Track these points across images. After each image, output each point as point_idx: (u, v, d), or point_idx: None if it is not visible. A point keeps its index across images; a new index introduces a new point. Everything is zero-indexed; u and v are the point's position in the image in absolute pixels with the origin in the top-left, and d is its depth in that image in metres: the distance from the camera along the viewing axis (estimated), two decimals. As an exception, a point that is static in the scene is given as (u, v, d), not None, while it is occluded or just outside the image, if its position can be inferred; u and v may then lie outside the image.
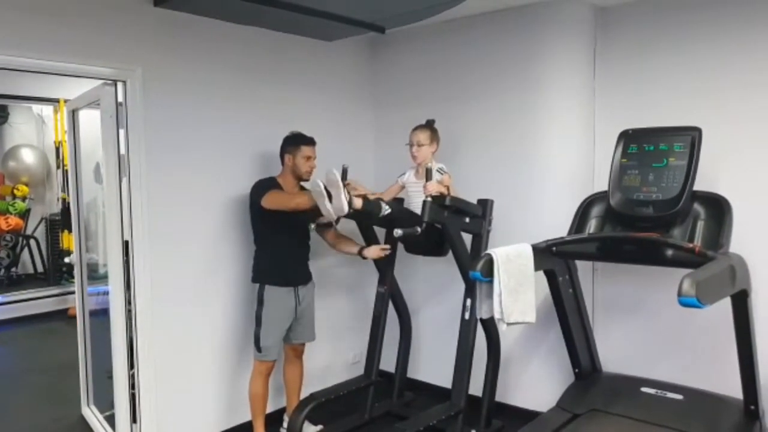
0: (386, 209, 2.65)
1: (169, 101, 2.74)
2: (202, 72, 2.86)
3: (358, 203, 2.55)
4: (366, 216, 2.77)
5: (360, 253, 3.02)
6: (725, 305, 2.21)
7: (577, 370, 2.95)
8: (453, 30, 3.37)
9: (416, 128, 2.90)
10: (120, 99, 2.65)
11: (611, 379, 2.99)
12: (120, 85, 2.63)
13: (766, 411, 2.57)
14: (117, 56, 2.56)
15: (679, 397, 2.71)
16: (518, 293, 2.42)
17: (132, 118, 2.63)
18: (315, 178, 2.85)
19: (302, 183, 2.94)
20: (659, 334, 2.93)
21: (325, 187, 2.47)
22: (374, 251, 3.02)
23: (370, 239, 3.20)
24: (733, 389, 2.55)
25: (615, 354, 3.06)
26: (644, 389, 2.79)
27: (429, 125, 2.92)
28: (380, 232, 3.23)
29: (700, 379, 2.76)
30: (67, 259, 5.09)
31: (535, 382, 3.20)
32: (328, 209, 2.48)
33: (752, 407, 2.49)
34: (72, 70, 2.50)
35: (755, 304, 2.38)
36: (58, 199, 6.29)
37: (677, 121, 2.54)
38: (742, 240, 2.39)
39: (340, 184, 2.45)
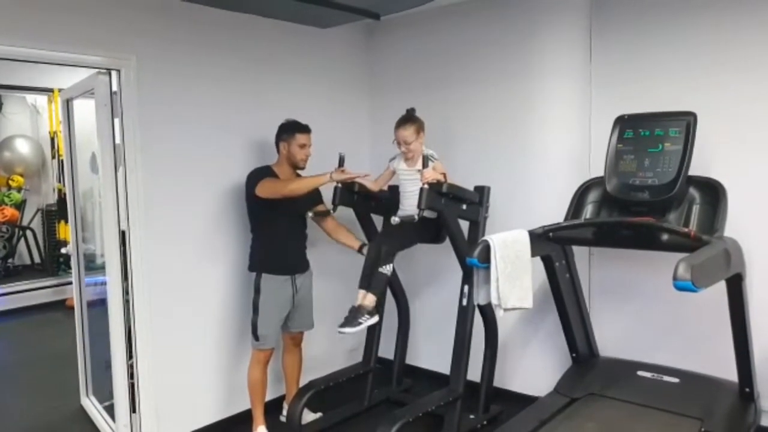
0: (396, 220, 2.70)
1: (164, 90, 2.73)
2: (196, 60, 2.84)
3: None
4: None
5: (360, 250, 2.99)
6: (720, 289, 2.23)
7: (574, 355, 2.98)
8: (448, 16, 3.35)
9: (399, 125, 2.74)
10: (114, 88, 2.63)
11: (608, 363, 3.01)
12: (114, 74, 2.61)
13: (761, 393, 2.60)
14: (111, 45, 2.54)
15: (675, 380, 2.73)
16: (515, 279, 2.43)
17: (127, 108, 2.61)
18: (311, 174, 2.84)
19: (298, 171, 2.93)
20: (655, 318, 2.95)
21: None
22: None
23: (368, 227, 3.20)
24: (729, 372, 2.58)
25: (611, 338, 3.08)
26: (640, 373, 2.82)
27: (410, 117, 2.77)
28: (378, 219, 3.23)
29: (695, 363, 2.79)
30: (63, 250, 5.08)
31: (533, 367, 3.23)
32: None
33: (747, 390, 2.52)
34: (66, 59, 2.48)
35: (749, 287, 2.41)
36: (53, 190, 6.27)
37: (673, 106, 2.54)
38: (736, 224, 2.40)
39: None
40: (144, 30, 2.64)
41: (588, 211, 2.69)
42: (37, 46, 2.36)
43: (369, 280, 2.73)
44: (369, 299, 2.68)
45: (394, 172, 2.90)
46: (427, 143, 2.84)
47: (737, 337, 2.41)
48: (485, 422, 3.00)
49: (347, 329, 2.61)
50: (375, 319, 2.70)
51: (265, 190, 2.72)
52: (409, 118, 2.77)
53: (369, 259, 2.79)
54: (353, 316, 2.64)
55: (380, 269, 2.69)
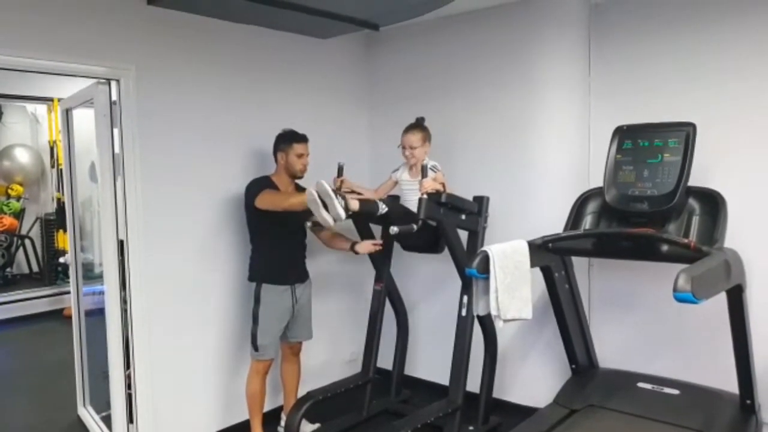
0: (383, 208, 2.64)
1: (163, 100, 2.73)
2: (196, 70, 2.85)
3: (354, 205, 2.51)
4: (364, 216, 2.76)
5: (352, 248, 3.01)
6: (720, 300, 2.22)
7: (573, 366, 2.96)
8: (447, 27, 3.37)
9: (407, 130, 2.84)
10: (114, 98, 2.63)
11: (608, 374, 3.00)
12: (114, 84, 2.62)
13: (762, 405, 2.59)
14: (110, 55, 2.55)
15: (676, 392, 2.72)
16: (514, 290, 2.42)
17: (126, 117, 2.62)
18: (309, 184, 2.83)
19: (297, 181, 2.93)
20: (655, 329, 2.94)
21: (320, 196, 2.45)
22: (366, 246, 3.01)
23: (367, 237, 3.20)
24: (729, 384, 2.56)
25: (611, 349, 3.07)
26: (641, 384, 2.81)
27: (419, 125, 2.86)
28: (376, 229, 3.23)
29: (696, 374, 2.77)
30: (62, 259, 5.07)
31: (532, 378, 3.21)
32: (325, 217, 2.45)
33: (748, 401, 2.50)
34: (65, 69, 2.48)
35: (750, 298, 2.40)
36: (52, 199, 6.27)
37: (672, 117, 2.55)
38: (736, 235, 2.39)
39: (332, 193, 2.42)
40: (143, 40, 2.65)
41: (587, 222, 2.69)
42: (37, 56, 2.37)
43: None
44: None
45: (396, 182, 2.92)
46: (428, 153, 2.86)
47: (738, 348, 2.40)
48: (484, 434, 2.98)
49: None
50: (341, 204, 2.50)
51: (265, 202, 2.72)
52: (418, 125, 2.86)
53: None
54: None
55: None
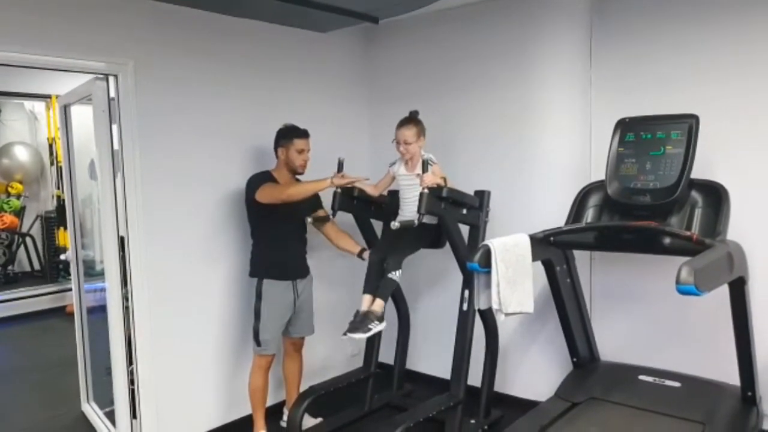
0: (396, 225, 2.67)
1: (162, 95, 2.72)
2: (195, 65, 2.84)
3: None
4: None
5: (360, 255, 2.99)
6: (722, 293, 2.22)
7: (575, 359, 2.96)
8: (447, 21, 3.35)
9: (401, 125, 2.76)
10: (112, 94, 2.62)
11: (609, 367, 3.00)
12: (112, 80, 2.61)
13: (763, 397, 2.59)
14: (108, 50, 2.53)
15: (677, 384, 2.72)
16: (516, 283, 2.42)
17: (125, 113, 2.60)
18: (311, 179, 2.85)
19: (297, 176, 2.92)
20: (657, 322, 2.94)
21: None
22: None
23: (368, 232, 3.19)
24: (731, 376, 2.56)
25: (613, 343, 3.07)
26: (642, 377, 2.81)
27: (413, 119, 2.78)
28: (377, 224, 3.22)
29: (697, 367, 2.78)
30: (63, 257, 5.07)
31: (534, 371, 3.21)
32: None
33: (749, 393, 2.51)
34: (62, 65, 2.47)
35: (752, 291, 2.39)
36: (52, 197, 6.27)
37: (675, 109, 2.53)
38: (739, 227, 2.39)
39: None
40: (141, 35, 2.64)
41: (589, 215, 2.68)
42: (33, 51, 2.35)
43: (374, 284, 2.71)
44: (378, 305, 2.66)
45: (394, 177, 2.89)
46: (427, 147, 2.84)
47: (740, 340, 2.40)
48: (486, 427, 2.98)
49: (358, 335, 2.57)
50: (383, 325, 2.66)
51: (265, 195, 2.71)
52: (411, 119, 2.78)
53: (371, 264, 2.77)
54: (362, 321, 2.60)
55: (389, 275, 2.67)
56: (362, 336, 2.59)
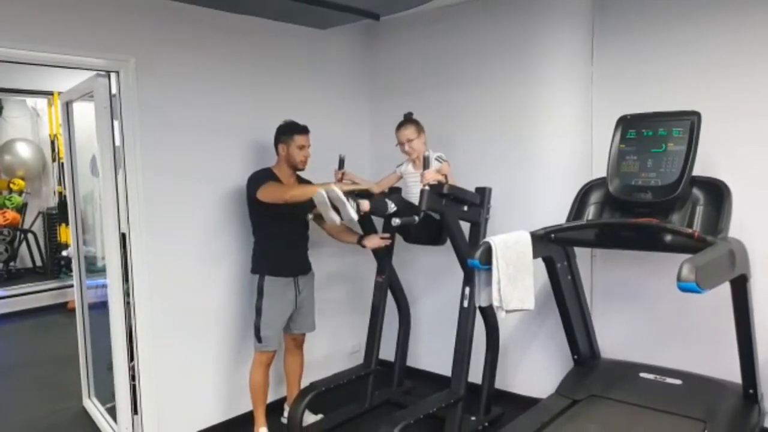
0: (392, 207, 2.67)
1: (164, 91, 2.72)
2: (196, 62, 2.84)
3: (365, 206, 2.58)
4: (373, 215, 2.82)
5: (359, 242, 3.02)
6: (723, 290, 2.21)
7: (576, 357, 2.96)
8: (448, 17, 3.34)
9: (399, 127, 2.85)
10: (114, 90, 2.62)
11: (610, 365, 3.00)
12: (113, 76, 2.61)
13: (765, 395, 2.58)
14: (110, 47, 2.53)
15: (678, 382, 2.72)
16: (517, 280, 2.41)
17: (126, 110, 2.61)
18: (311, 176, 2.84)
19: (298, 173, 2.93)
20: (658, 319, 2.93)
21: (331, 201, 2.48)
22: (374, 241, 3.02)
23: (368, 228, 3.19)
24: (732, 374, 2.56)
25: (614, 340, 3.07)
26: (643, 375, 2.81)
27: (409, 119, 2.86)
28: (378, 221, 3.22)
29: (698, 364, 2.77)
30: (64, 253, 5.08)
31: (534, 369, 3.21)
32: (333, 218, 2.51)
33: (751, 391, 2.51)
34: (64, 61, 2.46)
35: (754, 288, 2.39)
36: (54, 193, 6.28)
37: (676, 106, 2.53)
38: (741, 225, 2.38)
39: (344, 198, 2.47)
40: (143, 32, 2.63)
41: (590, 212, 2.68)
42: (35, 47, 2.35)
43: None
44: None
45: (400, 176, 2.92)
46: (428, 144, 2.84)
47: (741, 338, 2.39)
48: (486, 424, 2.98)
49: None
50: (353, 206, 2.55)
51: (266, 194, 2.71)
52: (407, 120, 2.85)
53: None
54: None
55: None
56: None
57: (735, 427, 2.41)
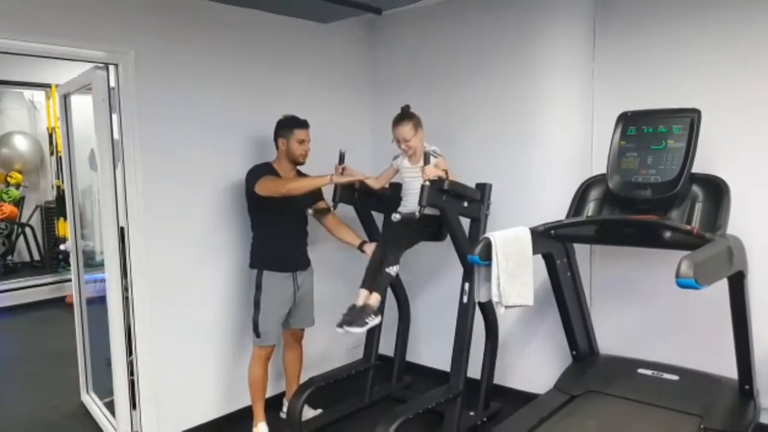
0: (397, 217, 2.70)
1: (163, 85, 2.71)
2: (196, 55, 2.82)
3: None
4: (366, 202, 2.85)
5: (360, 247, 2.99)
6: (720, 287, 2.22)
7: (574, 353, 2.97)
8: (450, 12, 3.33)
9: (396, 123, 2.75)
10: (112, 83, 2.61)
11: (608, 360, 3.01)
12: (112, 69, 2.59)
13: (761, 390, 2.60)
14: (109, 39, 2.52)
15: (675, 377, 2.73)
16: (516, 276, 2.42)
17: (125, 103, 2.59)
18: (311, 171, 2.84)
19: (298, 167, 2.92)
20: (656, 316, 2.94)
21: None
22: (374, 248, 2.98)
23: (369, 225, 3.19)
24: (728, 369, 2.57)
25: (612, 336, 3.08)
26: (641, 370, 2.82)
27: (406, 114, 2.77)
28: (378, 216, 3.22)
29: (695, 360, 2.79)
30: (62, 246, 5.06)
31: (533, 364, 3.22)
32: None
33: (747, 387, 2.52)
34: (62, 53, 2.44)
35: (751, 285, 2.40)
36: (52, 187, 6.26)
37: (677, 103, 2.53)
38: (739, 221, 2.39)
39: None
40: (142, 24, 2.62)
41: (590, 209, 2.68)
42: (32, 39, 2.33)
43: (372, 279, 2.71)
44: (374, 298, 2.66)
45: (397, 170, 2.89)
46: (428, 140, 2.83)
47: (738, 334, 2.40)
48: (485, 419, 2.99)
49: (354, 328, 2.56)
50: (379, 318, 2.68)
51: (265, 188, 2.71)
52: (404, 116, 2.76)
53: (373, 260, 2.77)
54: (359, 315, 2.60)
55: (387, 269, 2.68)
56: (359, 330, 2.59)
57: (731, 422, 2.43)
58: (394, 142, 2.78)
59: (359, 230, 3.15)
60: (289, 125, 2.82)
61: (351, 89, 3.66)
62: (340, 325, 2.58)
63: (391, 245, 2.73)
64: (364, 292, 2.69)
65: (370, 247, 2.96)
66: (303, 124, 2.84)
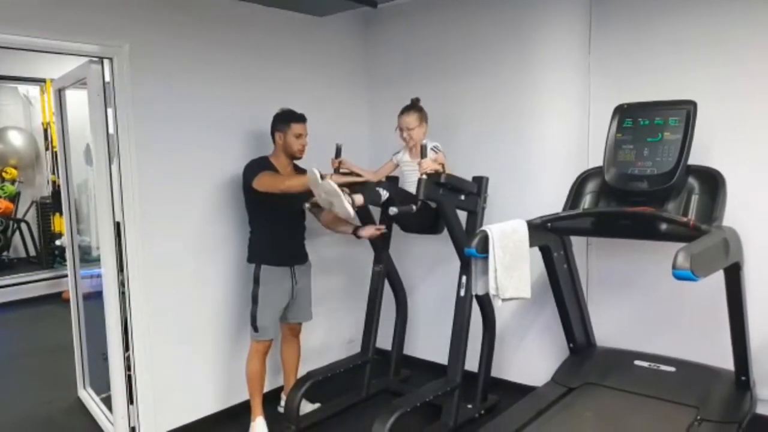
0: (385, 194, 2.65)
1: (158, 79, 2.69)
2: (191, 49, 2.81)
3: (359, 200, 2.56)
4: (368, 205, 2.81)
5: (355, 232, 3.01)
6: (716, 278, 2.23)
7: (571, 345, 2.98)
8: (446, 5, 3.32)
9: (403, 112, 2.82)
10: (107, 77, 2.59)
11: (605, 353, 3.02)
12: (107, 63, 2.57)
13: (757, 381, 2.61)
14: (103, 32, 2.50)
15: (672, 369, 2.75)
16: (513, 269, 2.42)
17: (120, 97, 2.58)
18: (309, 165, 2.82)
19: (295, 161, 2.91)
20: (652, 308, 2.95)
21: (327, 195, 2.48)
22: (369, 231, 3.01)
23: (365, 218, 3.19)
24: (725, 361, 2.59)
25: (609, 328, 3.09)
26: (637, 362, 2.83)
27: (415, 106, 2.84)
28: (375, 210, 3.22)
29: (692, 352, 2.80)
30: (58, 242, 5.05)
31: (531, 357, 3.23)
32: (347, 209, 2.48)
33: (743, 378, 2.53)
34: (56, 47, 2.43)
35: (747, 277, 2.41)
36: (48, 182, 6.23)
37: (673, 95, 2.53)
38: (735, 213, 2.39)
39: (339, 191, 2.44)
40: (137, 18, 2.60)
41: (586, 201, 2.68)
42: (26, 33, 2.31)
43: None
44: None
45: (397, 165, 2.90)
46: (427, 134, 2.83)
47: (734, 326, 2.41)
48: (483, 412, 3.01)
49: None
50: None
51: (262, 184, 2.70)
52: (413, 106, 2.82)
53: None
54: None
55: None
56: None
57: (727, 413, 2.44)
58: (397, 131, 2.81)
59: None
60: (286, 119, 2.81)
61: (347, 83, 3.64)
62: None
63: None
64: None
65: (364, 230, 2.98)
66: (300, 119, 2.83)
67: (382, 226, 3.06)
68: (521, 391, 3.01)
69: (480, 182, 2.92)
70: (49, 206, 6.06)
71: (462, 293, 2.84)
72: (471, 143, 3.29)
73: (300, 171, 2.91)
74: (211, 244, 2.94)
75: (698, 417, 2.40)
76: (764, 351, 2.62)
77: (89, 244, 3.55)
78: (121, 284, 2.69)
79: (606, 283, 3.11)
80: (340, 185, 2.82)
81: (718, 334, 2.58)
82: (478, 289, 2.50)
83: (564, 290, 2.80)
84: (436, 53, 3.41)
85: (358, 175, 2.86)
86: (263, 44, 3.13)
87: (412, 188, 2.72)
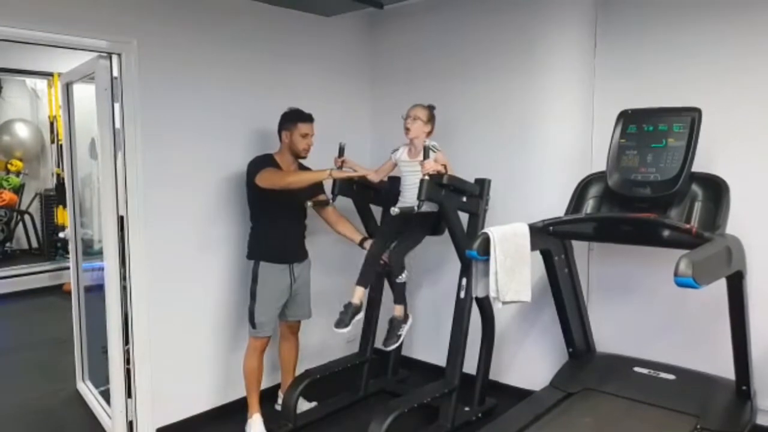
0: (396, 211, 2.70)
1: (166, 75, 2.70)
2: (198, 46, 2.82)
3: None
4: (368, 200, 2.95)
5: (361, 244, 2.97)
6: (718, 286, 2.22)
7: (571, 350, 2.97)
8: (452, 7, 3.32)
9: (417, 105, 2.84)
10: (115, 73, 2.60)
11: (605, 358, 3.01)
12: (115, 58, 2.58)
13: (758, 392, 2.60)
14: (112, 28, 2.51)
15: (672, 377, 2.73)
16: (514, 272, 2.42)
17: (127, 93, 2.59)
18: (313, 164, 2.84)
19: (300, 161, 2.92)
20: (653, 314, 2.94)
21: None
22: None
23: (367, 218, 3.19)
24: (726, 370, 2.57)
25: (609, 334, 3.08)
26: (637, 369, 2.82)
27: (429, 106, 2.85)
28: (377, 210, 3.22)
29: (692, 360, 2.79)
30: (61, 234, 5.07)
31: (529, 361, 3.22)
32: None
33: (744, 388, 2.52)
34: (65, 42, 2.44)
35: (750, 285, 2.39)
36: (52, 175, 6.26)
37: (678, 102, 2.52)
38: (738, 221, 2.38)
39: None
40: (145, 14, 2.61)
41: (589, 206, 2.68)
42: (35, 27, 2.33)
43: (369, 278, 2.80)
44: (398, 310, 2.82)
45: (395, 163, 2.89)
46: (431, 137, 2.83)
47: (736, 335, 2.40)
48: (480, 415, 2.99)
49: (391, 345, 2.79)
50: (410, 322, 2.87)
51: (265, 180, 2.70)
52: (428, 106, 2.84)
53: (370, 255, 2.78)
54: (390, 330, 2.79)
55: (397, 280, 2.79)
56: (395, 345, 2.81)
57: (727, 423, 2.43)
58: (402, 117, 2.81)
59: (357, 223, 3.15)
60: (293, 118, 2.82)
61: (352, 83, 3.65)
62: (337, 325, 2.64)
63: (393, 255, 2.78)
64: (359, 289, 2.73)
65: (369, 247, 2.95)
66: (307, 118, 2.84)
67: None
68: (519, 395, 3.00)
69: (482, 184, 2.92)
70: (53, 199, 6.09)
71: (462, 295, 2.84)
72: (474, 145, 3.29)
73: (303, 169, 2.91)
74: (213, 239, 2.95)
75: (698, 426, 2.39)
76: (766, 361, 2.60)
77: (91, 237, 3.57)
78: (123, 278, 2.70)
79: (607, 288, 3.10)
80: (343, 183, 2.82)
81: (719, 343, 2.57)
82: (478, 292, 2.50)
83: (564, 294, 2.80)
84: (440, 55, 3.41)
85: (362, 176, 2.86)
86: (270, 42, 3.14)
87: (411, 189, 2.71)
